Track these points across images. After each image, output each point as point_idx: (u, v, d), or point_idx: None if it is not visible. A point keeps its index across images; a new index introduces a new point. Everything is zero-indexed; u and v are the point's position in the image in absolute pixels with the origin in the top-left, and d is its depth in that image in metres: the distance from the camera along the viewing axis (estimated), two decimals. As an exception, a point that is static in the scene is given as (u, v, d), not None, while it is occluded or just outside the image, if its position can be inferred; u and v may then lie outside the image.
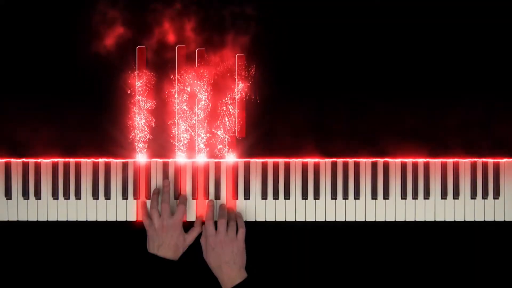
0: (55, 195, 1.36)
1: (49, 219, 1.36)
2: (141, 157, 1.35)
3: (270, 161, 1.37)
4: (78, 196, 1.36)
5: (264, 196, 1.37)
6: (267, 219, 1.37)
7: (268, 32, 1.35)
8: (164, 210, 1.30)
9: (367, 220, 1.37)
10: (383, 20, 1.35)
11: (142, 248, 1.31)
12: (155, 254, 1.28)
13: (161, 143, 1.36)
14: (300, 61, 1.35)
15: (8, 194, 1.36)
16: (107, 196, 1.36)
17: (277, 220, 1.37)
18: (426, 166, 1.37)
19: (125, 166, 1.36)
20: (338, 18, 1.36)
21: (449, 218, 1.37)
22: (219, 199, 1.37)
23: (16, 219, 1.36)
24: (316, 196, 1.37)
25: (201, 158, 1.36)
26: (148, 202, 1.35)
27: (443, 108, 1.35)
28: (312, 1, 1.35)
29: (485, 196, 1.37)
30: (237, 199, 1.37)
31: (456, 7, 1.35)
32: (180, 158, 1.36)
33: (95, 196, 1.36)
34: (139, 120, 1.35)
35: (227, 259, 1.26)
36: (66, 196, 1.36)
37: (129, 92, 1.35)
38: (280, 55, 1.35)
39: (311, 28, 1.35)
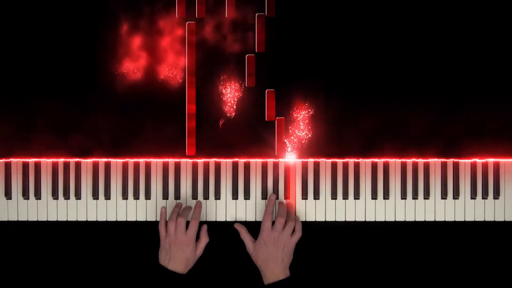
0: (55, 195, 1.36)
1: (49, 219, 1.36)
2: (142, 157, 1.36)
3: (270, 161, 1.37)
4: (78, 196, 1.36)
5: (264, 196, 1.37)
6: (267, 219, 1.37)
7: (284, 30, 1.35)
8: (179, 224, 1.28)
9: (367, 220, 1.37)
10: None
11: (153, 257, 1.31)
12: (165, 266, 1.27)
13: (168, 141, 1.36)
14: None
15: (8, 194, 1.36)
16: (107, 196, 1.36)
17: (277, 220, 1.37)
18: (426, 166, 1.37)
19: (125, 166, 1.36)
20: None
21: (449, 218, 1.37)
22: (219, 199, 1.37)
23: (16, 219, 1.36)
24: (316, 196, 1.37)
25: (199, 158, 1.36)
26: (164, 210, 1.34)
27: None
28: None
29: (485, 196, 1.37)
30: (237, 199, 1.37)
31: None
32: (180, 157, 1.36)
33: (95, 196, 1.36)
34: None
35: (276, 256, 1.28)
36: (66, 196, 1.36)
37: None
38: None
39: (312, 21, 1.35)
